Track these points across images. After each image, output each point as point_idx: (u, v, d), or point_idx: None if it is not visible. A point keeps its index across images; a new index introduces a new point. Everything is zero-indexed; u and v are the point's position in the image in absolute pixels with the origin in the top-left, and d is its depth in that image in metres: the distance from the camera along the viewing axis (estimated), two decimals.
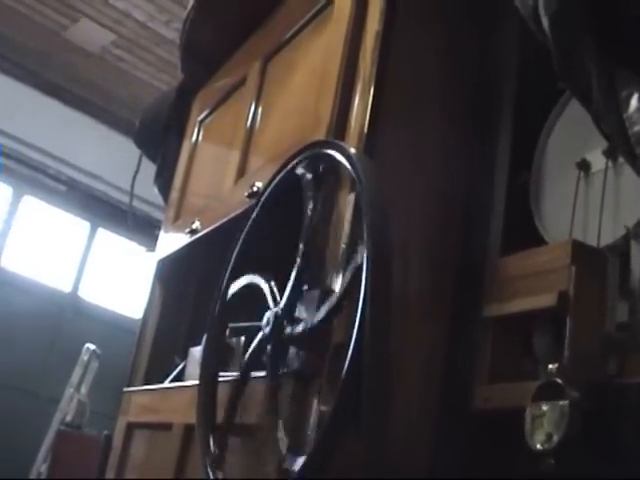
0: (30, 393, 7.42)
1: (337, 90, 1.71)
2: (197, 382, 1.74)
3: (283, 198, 1.67)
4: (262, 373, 1.55)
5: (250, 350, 1.60)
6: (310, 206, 1.56)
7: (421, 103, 1.72)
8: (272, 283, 1.61)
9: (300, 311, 1.50)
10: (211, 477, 1.54)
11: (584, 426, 1.21)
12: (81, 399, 5.79)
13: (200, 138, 2.75)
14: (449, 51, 1.79)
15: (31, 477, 5.76)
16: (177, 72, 3.12)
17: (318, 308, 1.43)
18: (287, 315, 1.50)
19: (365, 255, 1.27)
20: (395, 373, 1.24)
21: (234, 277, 1.75)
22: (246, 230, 1.73)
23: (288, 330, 1.48)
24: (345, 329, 1.36)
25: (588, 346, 1.33)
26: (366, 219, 1.30)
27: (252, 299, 1.64)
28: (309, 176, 1.58)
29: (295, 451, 1.34)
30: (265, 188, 1.71)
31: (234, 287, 1.74)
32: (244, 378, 1.62)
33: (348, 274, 1.37)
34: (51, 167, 7.99)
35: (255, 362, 1.59)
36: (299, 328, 1.45)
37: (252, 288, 1.67)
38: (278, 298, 1.55)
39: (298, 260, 1.53)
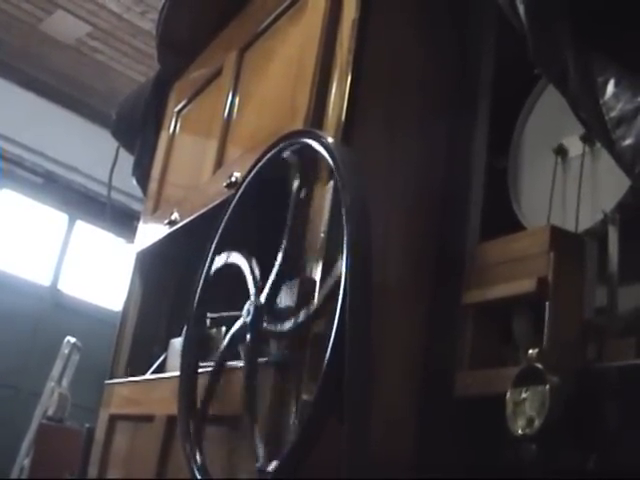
0: (11, 387, 7.39)
1: (314, 79, 1.70)
2: (178, 373, 1.73)
3: (262, 188, 1.67)
4: (239, 363, 1.55)
5: (227, 339, 1.60)
6: (293, 196, 1.56)
7: (399, 91, 1.72)
8: (254, 263, 1.60)
9: (279, 300, 1.50)
10: (194, 467, 1.54)
11: (565, 411, 1.22)
12: (62, 392, 5.77)
13: (177, 129, 2.74)
14: (426, 38, 1.79)
15: (14, 471, 5.75)
16: (154, 63, 3.11)
17: (298, 299, 1.44)
18: (268, 307, 1.50)
19: (345, 251, 1.26)
20: (376, 361, 1.24)
21: (213, 267, 1.74)
22: (225, 221, 1.72)
23: (267, 322, 1.48)
24: (326, 318, 1.36)
25: (568, 331, 1.34)
26: (345, 211, 1.29)
27: (231, 288, 1.63)
28: (293, 163, 1.58)
29: (275, 442, 1.34)
30: (244, 178, 1.71)
31: (217, 263, 1.73)
32: (219, 368, 1.62)
33: (328, 284, 1.36)
34: (28, 160, 7.93)
35: (232, 352, 1.60)
36: (279, 327, 1.45)
37: (232, 268, 1.66)
38: (259, 283, 1.55)
39: (281, 251, 1.52)
